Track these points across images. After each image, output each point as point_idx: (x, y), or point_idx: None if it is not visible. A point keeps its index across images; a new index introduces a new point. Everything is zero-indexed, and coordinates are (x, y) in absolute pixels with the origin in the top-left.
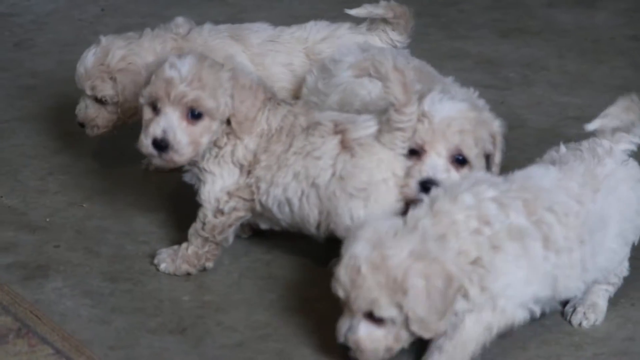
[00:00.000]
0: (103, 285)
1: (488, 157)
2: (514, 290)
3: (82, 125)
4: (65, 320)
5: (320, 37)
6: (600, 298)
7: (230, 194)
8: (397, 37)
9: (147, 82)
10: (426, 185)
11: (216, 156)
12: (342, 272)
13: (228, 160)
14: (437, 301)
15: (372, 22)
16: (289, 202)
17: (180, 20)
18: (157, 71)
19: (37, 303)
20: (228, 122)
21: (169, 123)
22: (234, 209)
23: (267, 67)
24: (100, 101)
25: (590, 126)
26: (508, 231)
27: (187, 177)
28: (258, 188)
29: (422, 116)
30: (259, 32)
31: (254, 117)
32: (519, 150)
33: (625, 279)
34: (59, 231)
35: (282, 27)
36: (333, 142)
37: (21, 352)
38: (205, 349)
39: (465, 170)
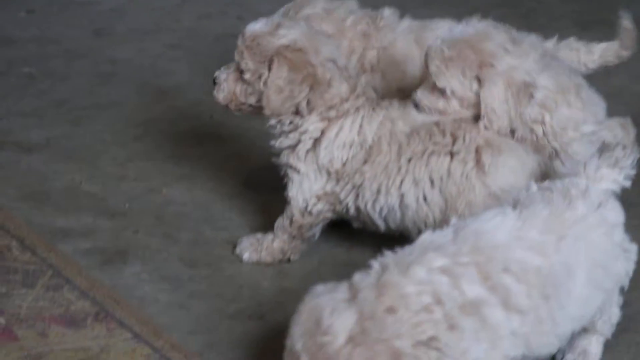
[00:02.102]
0: (182, 271)
1: None
2: None
3: None
4: (144, 304)
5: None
6: (592, 345)
7: (319, 197)
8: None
9: None
10: None
11: (297, 151)
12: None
13: (312, 162)
14: None
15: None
16: (405, 208)
17: (386, 12)
18: None
19: (116, 288)
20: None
21: None
22: (322, 211)
23: None
24: None
25: (586, 128)
26: (462, 307)
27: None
28: (357, 196)
29: None
30: None
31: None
32: None
33: None
34: (137, 217)
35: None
36: (466, 138)
37: (99, 336)
38: (284, 335)
39: None
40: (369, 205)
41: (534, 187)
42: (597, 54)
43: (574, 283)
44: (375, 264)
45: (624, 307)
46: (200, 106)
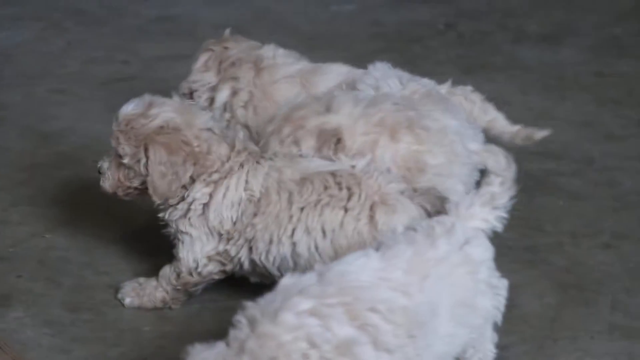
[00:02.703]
0: (64, 315)
1: None
2: None
3: None
4: (26, 349)
5: None
6: None
7: (209, 258)
8: None
9: None
10: None
11: (188, 217)
12: None
13: (203, 225)
14: None
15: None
16: (297, 257)
17: (269, 52)
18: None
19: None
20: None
21: None
22: (212, 272)
23: None
24: None
25: (472, 146)
26: (336, 348)
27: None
28: (250, 249)
29: None
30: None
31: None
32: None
33: (583, 313)
34: (21, 261)
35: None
36: (362, 195)
37: None
38: None
39: None
40: (262, 257)
41: (400, 227)
42: (490, 118)
43: (438, 321)
44: (242, 319)
45: (502, 350)
46: (84, 151)
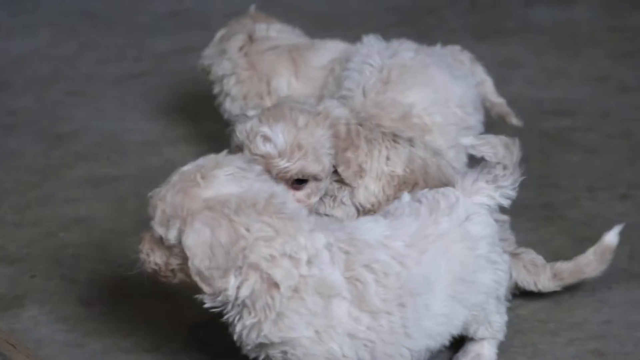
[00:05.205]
0: (78, 311)
1: None
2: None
3: None
4: (40, 346)
5: None
6: (485, 348)
7: None
8: None
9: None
10: None
11: (334, 200)
12: None
13: (348, 202)
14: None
15: None
16: None
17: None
18: (249, 145)
19: (13, 332)
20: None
21: None
22: None
23: None
24: None
25: (465, 140)
26: (317, 285)
27: None
28: None
29: None
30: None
31: (360, 163)
32: None
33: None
34: (36, 262)
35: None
36: None
37: None
38: None
39: None
40: None
41: (406, 197)
42: (478, 80)
43: (433, 298)
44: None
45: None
46: (98, 148)
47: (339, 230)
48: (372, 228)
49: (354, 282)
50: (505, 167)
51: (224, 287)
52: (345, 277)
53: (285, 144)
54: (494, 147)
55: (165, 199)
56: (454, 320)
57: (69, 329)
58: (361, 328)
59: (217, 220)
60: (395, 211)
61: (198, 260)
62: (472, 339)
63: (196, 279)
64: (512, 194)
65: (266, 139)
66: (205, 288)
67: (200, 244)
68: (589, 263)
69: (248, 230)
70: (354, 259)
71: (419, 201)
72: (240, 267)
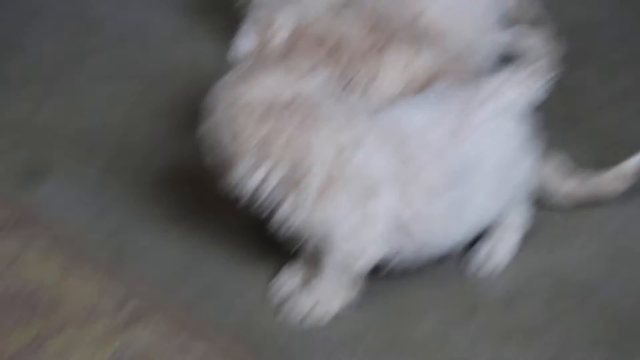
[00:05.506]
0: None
1: None
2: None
3: None
4: (60, 220)
5: None
6: (511, 232)
7: None
8: None
9: None
10: None
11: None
12: None
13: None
14: None
15: None
16: None
17: None
18: None
19: (32, 205)
20: None
21: None
22: None
23: None
24: None
25: (501, 37)
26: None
27: None
28: None
29: None
30: None
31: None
32: None
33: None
34: (54, 142)
35: None
36: None
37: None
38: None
39: None
40: None
41: (444, 85)
42: None
43: (482, 175)
44: None
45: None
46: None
47: (381, 113)
48: (413, 114)
49: (401, 165)
50: (540, 63)
51: None
52: (389, 160)
53: None
54: (528, 39)
55: None
56: (501, 199)
57: (90, 201)
58: (408, 213)
59: None
60: (444, 93)
61: None
62: (494, 228)
63: None
64: (547, 87)
65: None
66: None
67: None
68: (610, 183)
69: None
70: (398, 143)
71: (460, 90)
72: None
